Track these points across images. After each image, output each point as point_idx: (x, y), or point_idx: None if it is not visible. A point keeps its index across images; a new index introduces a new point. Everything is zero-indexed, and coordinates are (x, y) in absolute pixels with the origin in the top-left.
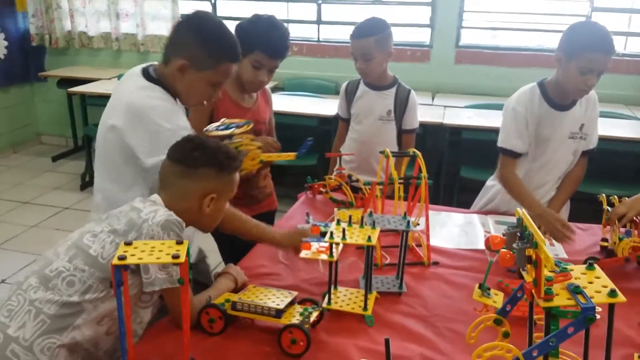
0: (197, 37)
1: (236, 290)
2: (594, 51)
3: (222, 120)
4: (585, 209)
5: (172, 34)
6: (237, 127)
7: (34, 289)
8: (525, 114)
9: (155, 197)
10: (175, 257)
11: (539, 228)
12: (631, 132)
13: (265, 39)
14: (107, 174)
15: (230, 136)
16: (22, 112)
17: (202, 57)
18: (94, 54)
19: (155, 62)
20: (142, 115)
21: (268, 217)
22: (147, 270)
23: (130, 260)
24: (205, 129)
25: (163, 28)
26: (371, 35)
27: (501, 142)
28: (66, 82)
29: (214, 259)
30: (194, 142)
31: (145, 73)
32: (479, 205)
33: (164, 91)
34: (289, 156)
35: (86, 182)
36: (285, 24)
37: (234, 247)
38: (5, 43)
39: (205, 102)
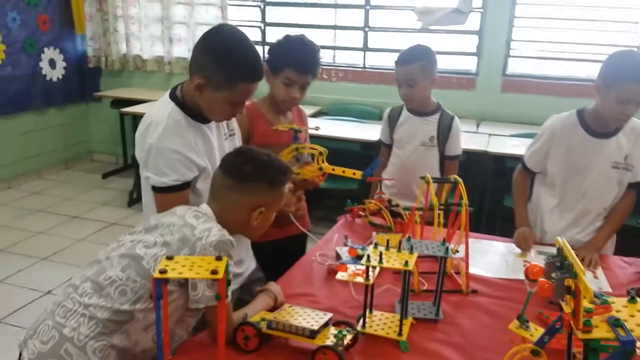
0: (212, 56)
1: (274, 308)
2: (633, 82)
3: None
4: (635, 242)
5: (193, 51)
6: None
7: (89, 295)
8: (552, 138)
9: (206, 208)
10: (214, 272)
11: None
12: None
13: (294, 55)
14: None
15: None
16: (76, 130)
17: (218, 77)
18: (147, 76)
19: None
20: (144, 126)
21: (300, 240)
22: (195, 287)
23: (171, 275)
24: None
25: None
26: (416, 62)
27: (525, 155)
28: (119, 103)
29: None
30: (246, 155)
31: (172, 90)
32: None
33: (178, 110)
34: (354, 174)
35: (133, 199)
36: (332, 50)
37: (271, 266)
38: (64, 64)
39: (228, 119)
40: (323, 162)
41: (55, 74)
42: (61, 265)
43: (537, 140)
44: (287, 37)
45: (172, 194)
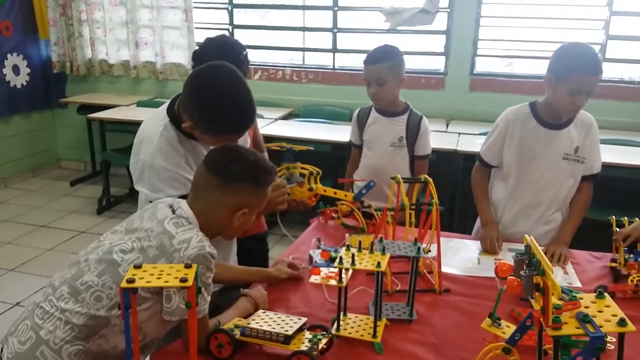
0: (196, 109)
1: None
2: (583, 73)
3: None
4: (602, 237)
5: (184, 86)
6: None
7: (65, 299)
8: (505, 130)
9: (186, 208)
10: (184, 280)
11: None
12: None
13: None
14: None
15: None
16: (43, 137)
17: (203, 126)
18: (113, 81)
19: None
20: (139, 140)
21: (258, 240)
22: (170, 299)
23: (139, 284)
24: None
25: (181, 56)
26: (385, 61)
27: (481, 149)
28: (86, 109)
29: None
30: (232, 154)
31: (171, 104)
32: (475, 229)
33: (171, 127)
34: (346, 195)
35: (103, 207)
36: (301, 52)
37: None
38: (28, 70)
39: None
40: (316, 182)
41: (19, 81)
42: (30, 276)
43: (491, 134)
44: (209, 40)
45: None
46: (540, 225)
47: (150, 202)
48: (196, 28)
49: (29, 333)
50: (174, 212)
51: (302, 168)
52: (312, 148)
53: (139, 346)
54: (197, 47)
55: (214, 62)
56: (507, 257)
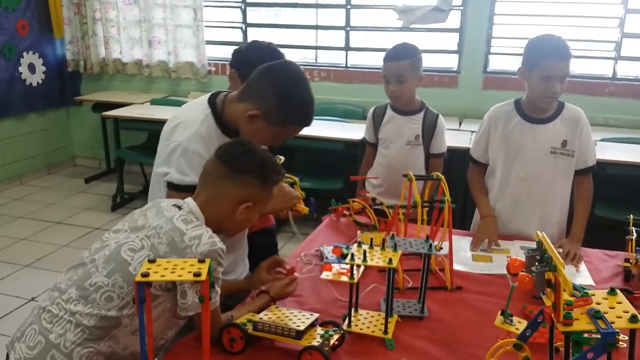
0: (277, 97)
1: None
2: (550, 58)
3: None
4: (619, 236)
5: (255, 77)
6: None
7: (75, 302)
8: (489, 126)
9: (191, 203)
10: (197, 275)
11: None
12: None
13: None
14: (153, 173)
15: None
16: (58, 134)
17: (275, 115)
18: (127, 79)
19: (233, 92)
20: (175, 124)
21: (266, 234)
22: (185, 295)
23: (153, 278)
24: None
25: (192, 55)
26: (406, 59)
27: (470, 148)
28: (101, 107)
29: None
30: (245, 146)
31: (212, 98)
32: (473, 224)
33: (212, 119)
34: (304, 209)
35: (117, 204)
36: (314, 50)
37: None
38: (44, 68)
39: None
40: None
41: (35, 79)
42: (45, 271)
43: (478, 131)
44: (257, 43)
45: (188, 194)
46: (536, 221)
47: (171, 183)
48: (208, 27)
49: (37, 338)
50: (179, 209)
51: (287, 177)
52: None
53: (152, 341)
54: (237, 48)
55: (287, 60)
56: (518, 254)
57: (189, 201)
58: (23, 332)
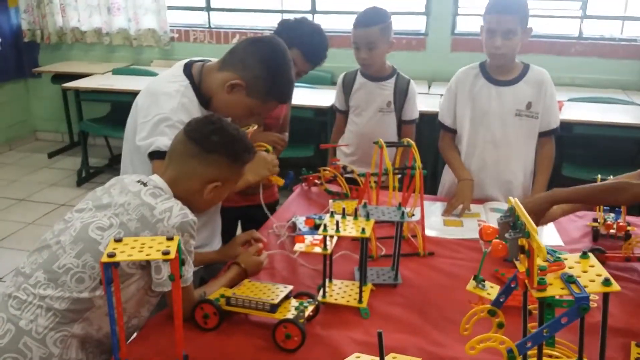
0: (265, 69)
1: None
2: (490, 12)
3: None
4: None
5: (240, 48)
6: None
7: (43, 285)
8: (455, 90)
9: (158, 180)
10: (166, 253)
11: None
12: (629, 117)
13: (307, 41)
14: (125, 149)
15: None
16: (17, 108)
17: (258, 87)
18: (87, 49)
19: (210, 60)
20: (154, 97)
21: (262, 210)
22: (159, 270)
23: (120, 258)
24: None
25: (154, 22)
26: (376, 25)
27: (439, 115)
28: (61, 78)
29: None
30: (215, 124)
31: (187, 67)
32: (444, 189)
33: (190, 89)
34: (278, 180)
35: (82, 178)
36: (280, 14)
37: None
38: None
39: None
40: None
41: None
42: (11, 251)
43: (445, 96)
44: (304, 19)
45: None
46: (502, 184)
47: (157, 152)
48: None
49: (6, 326)
50: (145, 185)
51: (260, 145)
52: (256, 126)
53: (123, 321)
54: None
55: (275, 37)
56: (491, 220)
57: (154, 177)
58: None
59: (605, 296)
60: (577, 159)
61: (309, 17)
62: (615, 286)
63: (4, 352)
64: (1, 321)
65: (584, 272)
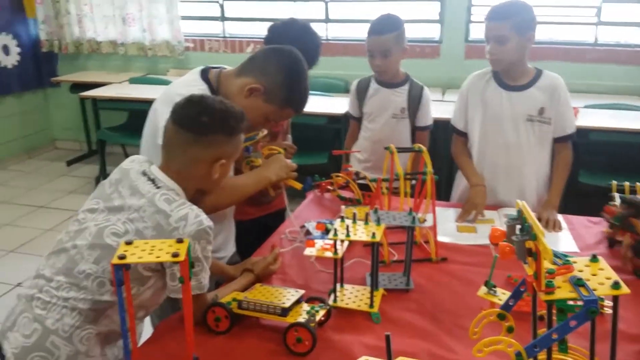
0: (285, 77)
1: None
2: (487, 19)
3: None
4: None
5: (260, 55)
6: (250, 139)
7: (66, 288)
8: (467, 94)
9: (158, 173)
10: (175, 255)
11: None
12: None
13: (297, 44)
14: (143, 153)
15: (248, 148)
16: (37, 117)
17: (277, 93)
18: (103, 59)
19: (226, 67)
20: (172, 101)
21: (278, 216)
22: (175, 277)
23: (130, 260)
24: None
25: (167, 32)
26: (391, 32)
27: (451, 119)
28: (78, 87)
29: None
30: (200, 105)
31: (204, 72)
32: (457, 194)
33: (209, 93)
34: (295, 184)
35: None
36: None
37: (251, 243)
38: (18, 49)
39: (249, 128)
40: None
41: (9, 61)
42: (30, 256)
43: (457, 99)
44: (293, 20)
45: None
46: (515, 190)
47: None
48: (183, 1)
49: (32, 325)
50: (153, 182)
51: (271, 149)
52: (266, 131)
53: (134, 322)
54: (273, 24)
55: (292, 47)
56: (503, 224)
57: (155, 171)
58: (14, 322)
59: (615, 299)
60: (593, 166)
61: (323, 25)
62: (625, 289)
63: (31, 351)
64: (27, 321)
65: (594, 275)
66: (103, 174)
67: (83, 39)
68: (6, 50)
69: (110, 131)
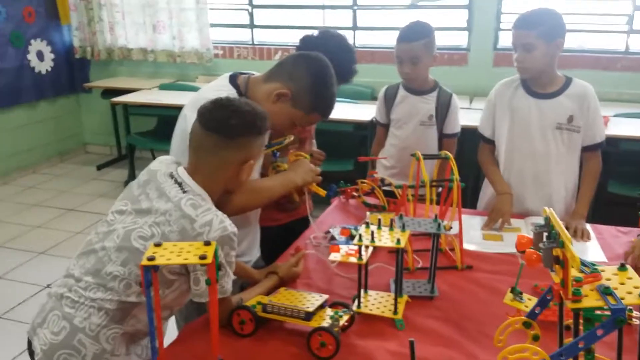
0: (313, 82)
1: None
2: (514, 27)
3: None
4: (631, 212)
5: (288, 61)
6: (277, 144)
7: (93, 289)
8: (494, 101)
9: (186, 177)
10: (203, 258)
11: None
12: None
13: (333, 59)
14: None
15: (275, 153)
16: (69, 122)
17: (304, 99)
18: (134, 65)
19: (255, 73)
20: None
21: (303, 222)
22: (198, 281)
23: (159, 261)
24: None
25: (196, 39)
26: (420, 39)
27: (478, 127)
28: (110, 93)
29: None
30: (227, 108)
31: (233, 78)
32: (483, 202)
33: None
34: (319, 190)
35: None
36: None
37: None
38: (52, 56)
39: (277, 133)
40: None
41: (43, 67)
42: (60, 258)
43: (485, 107)
44: (328, 33)
45: None
46: (543, 198)
47: None
48: (212, 9)
49: (61, 323)
50: (180, 186)
51: (297, 155)
52: (292, 137)
53: (161, 323)
54: (306, 35)
55: (321, 54)
56: (530, 232)
57: (183, 175)
58: (44, 319)
59: None
60: (623, 176)
61: (351, 33)
62: None
63: (59, 348)
64: (56, 318)
65: (622, 284)
66: (132, 178)
67: (114, 46)
68: (41, 56)
69: (139, 136)
